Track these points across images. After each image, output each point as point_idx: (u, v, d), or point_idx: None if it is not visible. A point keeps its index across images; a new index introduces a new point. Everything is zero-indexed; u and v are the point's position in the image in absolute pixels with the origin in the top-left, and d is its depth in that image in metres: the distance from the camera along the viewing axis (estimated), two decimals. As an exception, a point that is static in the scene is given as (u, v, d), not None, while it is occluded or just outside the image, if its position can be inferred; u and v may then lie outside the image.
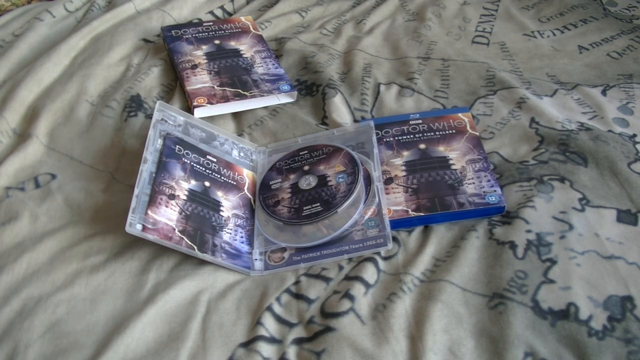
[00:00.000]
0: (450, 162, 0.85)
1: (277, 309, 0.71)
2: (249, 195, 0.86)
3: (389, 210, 0.80)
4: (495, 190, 0.80)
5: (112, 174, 0.89)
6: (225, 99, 0.97)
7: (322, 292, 0.73)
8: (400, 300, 0.70)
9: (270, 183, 0.86)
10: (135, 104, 0.98)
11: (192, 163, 0.83)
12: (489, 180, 0.82)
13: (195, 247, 0.75)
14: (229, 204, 0.83)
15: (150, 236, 0.73)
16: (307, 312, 0.71)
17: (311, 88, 1.03)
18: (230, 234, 0.79)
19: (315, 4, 1.27)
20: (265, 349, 0.67)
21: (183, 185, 0.80)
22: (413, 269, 0.74)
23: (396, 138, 0.90)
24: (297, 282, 0.74)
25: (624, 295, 0.69)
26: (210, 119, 0.97)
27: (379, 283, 0.73)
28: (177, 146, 0.84)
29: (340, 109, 0.98)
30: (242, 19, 1.16)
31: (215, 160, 0.86)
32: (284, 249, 0.79)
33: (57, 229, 0.81)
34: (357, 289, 0.72)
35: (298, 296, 0.73)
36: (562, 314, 0.67)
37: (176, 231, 0.75)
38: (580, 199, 0.79)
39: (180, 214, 0.77)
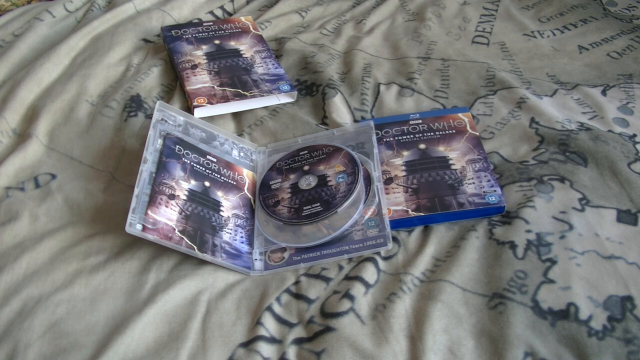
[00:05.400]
0: (450, 162, 0.85)
1: (277, 309, 0.71)
2: (249, 195, 0.86)
3: (389, 210, 0.80)
4: (495, 190, 0.80)
5: (112, 174, 0.89)
6: (225, 99, 0.97)
7: (322, 292, 0.73)
8: (400, 300, 0.70)
9: (270, 183, 0.86)
10: (135, 104, 0.98)
11: (192, 163, 0.83)
12: (489, 180, 0.82)
13: (195, 247, 0.75)
14: (229, 204, 0.83)
15: (150, 236, 0.73)
16: (307, 312, 0.71)
17: (311, 88, 1.03)
18: (230, 234, 0.79)
19: (315, 4, 1.27)
20: (265, 349, 0.67)
21: (183, 185, 0.80)
22: (413, 269, 0.74)
23: (396, 138, 0.90)
24: (297, 282, 0.74)
25: (624, 295, 0.69)
26: (210, 119, 0.97)
27: (379, 283, 0.73)
28: (177, 146, 0.84)
29: (340, 109, 0.98)
30: (242, 19, 1.16)
31: (215, 160, 0.86)
32: (284, 249, 0.79)
33: (57, 229, 0.81)
34: (357, 289, 0.72)
35: (298, 296, 0.73)
36: (562, 314, 0.67)
37: (176, 231, 0.75)
38: (580, 199, 0.79)
39: (180, 214, 0.77)
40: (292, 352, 0.67)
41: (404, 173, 0.84)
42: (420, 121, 0.92)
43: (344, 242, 0.77)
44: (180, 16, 1.22)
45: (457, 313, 0.69)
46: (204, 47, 1.08)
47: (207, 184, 0.83)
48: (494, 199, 0.79)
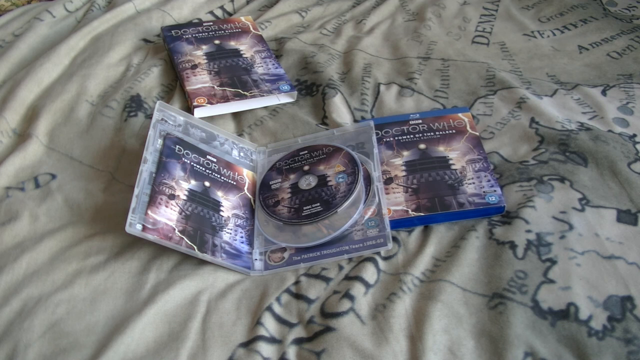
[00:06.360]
0: (450, 162, 0.85)
1: (277, 309, 0.71)
2: (249, 195, 0.86)
3: (389, 210, 0.80)
4: (495, 190, 0.80)
5: (112, 174, 0.89)
6: (225, 99, 0.97)
7: (322, 292, 0.73)
8: (400, 300, 0.70)
9: (270, 183, 0.86)
10: (135, 104, 0.98)
11: (192, 163, 0.83)
12: (489, 180, 0.82)
13: (195, 247, 0.75)
14: (229, 204, 0.83)
15: (150, 236, 0.73)
16: (307, 312, 0.71)
17: (311, 88, 1.03)
18: (230, 234, 0.79)
19: (315, 4, 1.27)
20: (265, 349, 0.67)
21: (183, 185, 0.80)
22: (413, 269, 0.74)
23: (396, 138, 0.90)
24: (297, 282, 0.74)
25: (624, 295, 0.69)
26: (210, 119, 0.97)
27: (379, 283, 0.73)
28: (177, 146, 0.84)
29: (340, 109, 0.98)
30: (242, 19, 1.16)
31: (215, 160, 0.86)
32: (284, 249, 0.79)
33: (57, 229, 0.81)
34: (357, 289, 0.72)
35: (298, 296, 0.73)
36: (562, 314, 0.67)
37: (176, 231, 0.75)
38: (580, 199, 0.79)
39: (180, 214, 0.77)
40: (292, 352, 0.67)
41: (404, 173, 0.84)
42: (420, 121, 0.92)
43: (344, 242, 0.77)
44: (180, 16, 1.22)
45: (457, 313, 0.69)
46: (204, 47, 1.08)
47: (207, 184, 0.83)
48: (494, 199, 0.79)
